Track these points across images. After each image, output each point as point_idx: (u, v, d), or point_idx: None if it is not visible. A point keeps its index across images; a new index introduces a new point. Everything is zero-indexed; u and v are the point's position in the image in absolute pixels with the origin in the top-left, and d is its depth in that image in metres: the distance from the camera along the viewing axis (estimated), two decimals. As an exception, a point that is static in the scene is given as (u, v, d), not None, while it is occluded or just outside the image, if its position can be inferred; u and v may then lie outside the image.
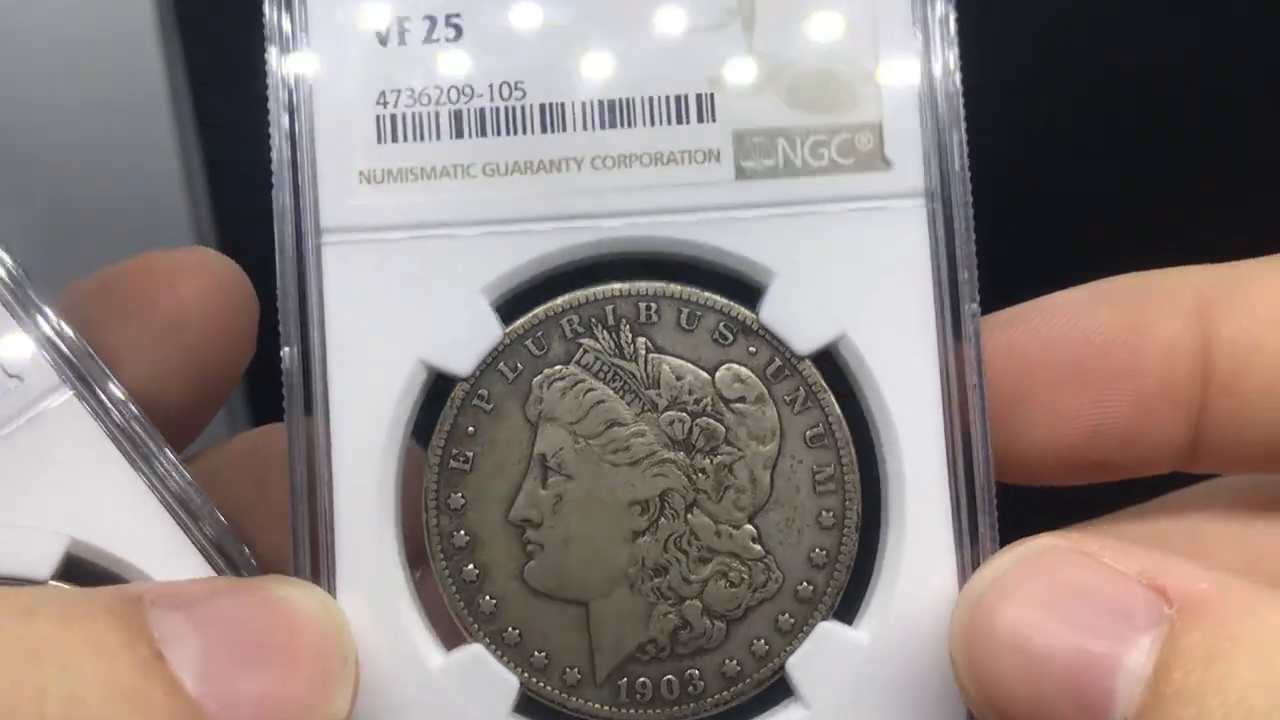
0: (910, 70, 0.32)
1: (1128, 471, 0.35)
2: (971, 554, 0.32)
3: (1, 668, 0.26)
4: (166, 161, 0.56)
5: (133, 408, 0.33)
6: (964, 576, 0.32)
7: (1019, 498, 0.33)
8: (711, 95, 0.33)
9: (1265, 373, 0.34)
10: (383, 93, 0.33)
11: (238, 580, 0.33)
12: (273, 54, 0.33)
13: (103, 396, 0.33)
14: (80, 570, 0.33)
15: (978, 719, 0.30)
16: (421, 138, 0.33)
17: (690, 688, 0.32)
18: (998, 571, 0.30)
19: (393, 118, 0.33)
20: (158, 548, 0.33)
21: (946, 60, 0.32)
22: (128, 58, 0.54)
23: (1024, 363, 0.33)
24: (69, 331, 0.33)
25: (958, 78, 0.32)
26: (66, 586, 0.33)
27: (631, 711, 0.32)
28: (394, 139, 0.33)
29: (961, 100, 0.32)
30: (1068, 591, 0.29)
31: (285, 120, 0.32)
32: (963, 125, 0.32)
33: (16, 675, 0.26)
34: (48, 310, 0.33)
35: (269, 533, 0.35)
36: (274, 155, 0.32)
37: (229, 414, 0.53)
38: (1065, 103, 0.52)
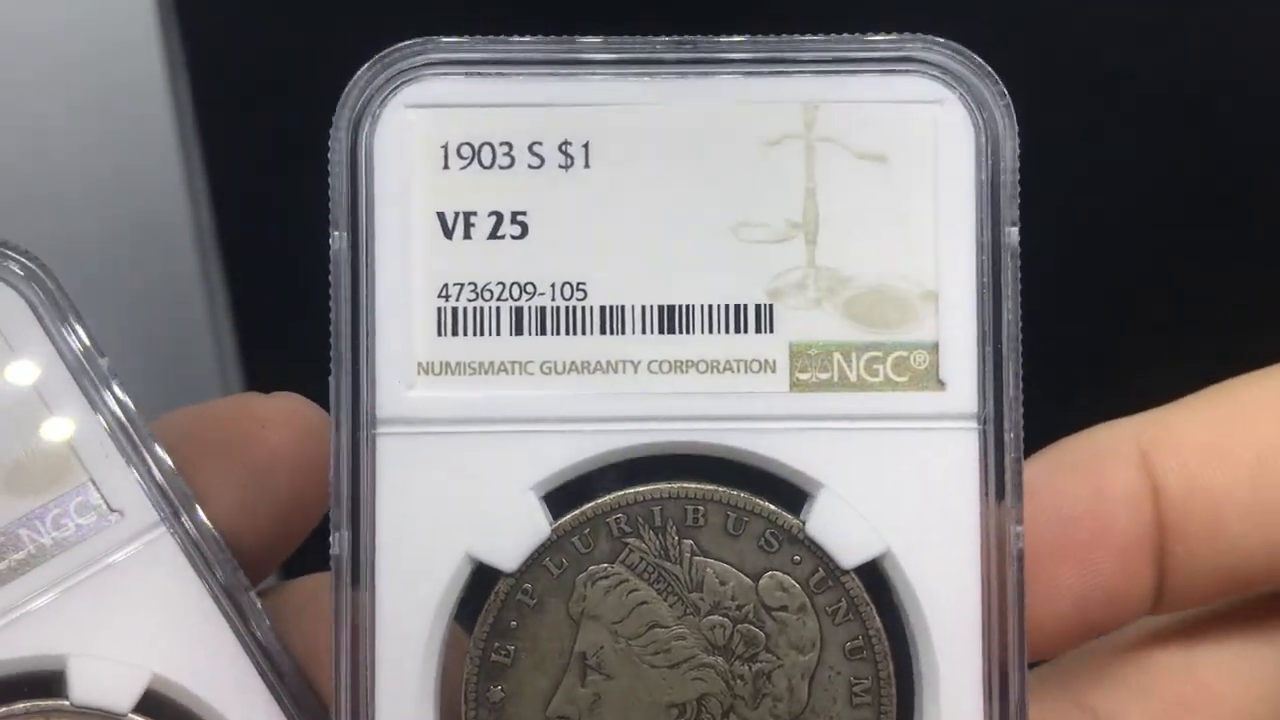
0: (969, 294, 0.33)
1: (1110, 628, 0.36)
2: (1005, 774, 0.32)
3: None
4: (168, 171, 0.56)
5: (224, 548, 0.35)
6: (995, 793, 0.32)
7: None
8: (770, 306, 0.33)
9: (1206, 514, 0.35)
10: (445, 285, 0.33)
11: None
12: (337, 237, 0.33)
13: (197, 536, 0.35)
14: (161, 706, 0.34)
15: None
16: (482, 333, 0.33)
17: None
18: None
19: (454, 311, 0.33)
20: (235, 690, 0.35)
21: (1007, 286, 0.33)
22: (128, 58, 0.55)
23: None
24: (169, 468, 0.35)
25: (1018, 304, 0.33)
26: None
27: None
28: (454, 333, 0.33)
29: (1020, 327, 0.33)
30: None
31: (348, 308, 0.33)
32: (1020, 352, 0.33)
33: None
34: (155, 447, 0.35)
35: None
36: (333, 342, 0.33)
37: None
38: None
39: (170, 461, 0.35)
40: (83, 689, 0.34)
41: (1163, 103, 0.56)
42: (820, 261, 0.33)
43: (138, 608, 0.34)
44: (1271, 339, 0.39)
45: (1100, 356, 0.56)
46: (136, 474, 0.35)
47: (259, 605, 0.35)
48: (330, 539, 0.33)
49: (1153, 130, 0.56)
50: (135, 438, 0.35)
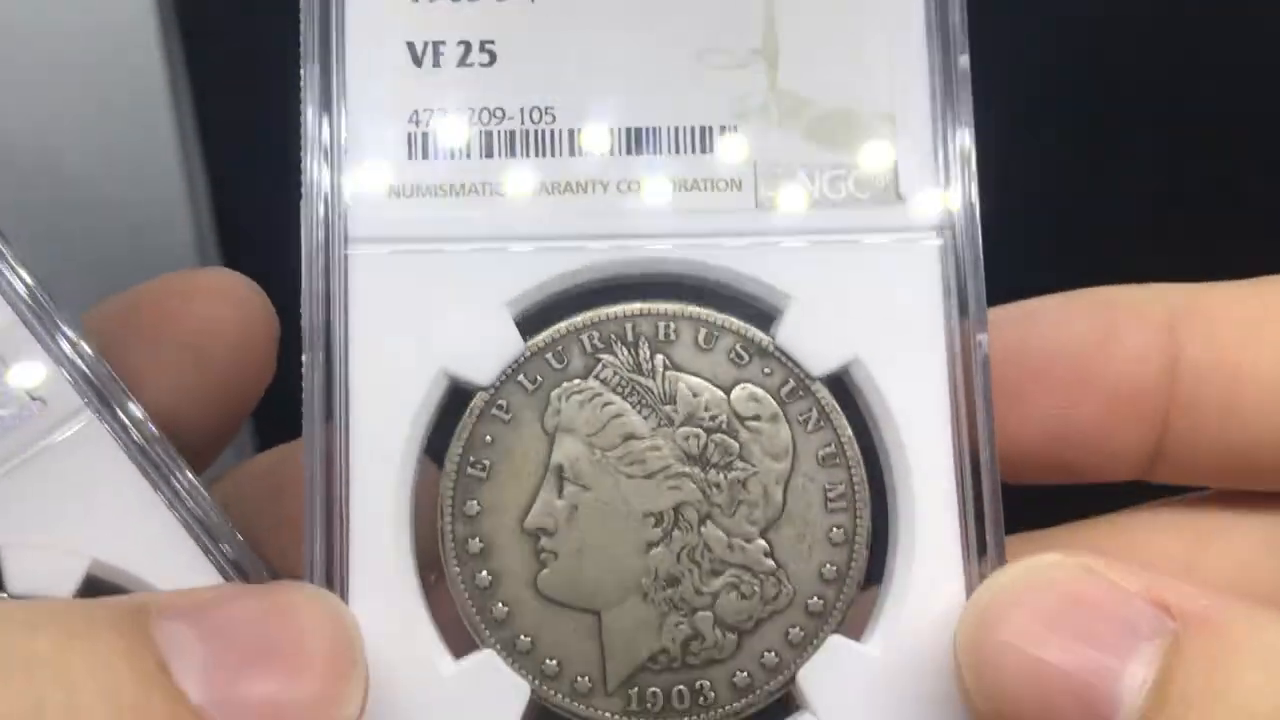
0: (924, 115, 0.34)
1: (1090, 476, 0.37)
2: (979, 569, 0.32)
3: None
4: (167, 162, 0.56)
5: (153, 429, 0.34)
6: (972, 591, 0.32)
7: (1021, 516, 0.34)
8: (735, 128, 0.34)
9: (1224, 393, 0.36)
10: (415, 111, 0.34)
11: (246, 586, 0.33)
12: (309, 69, 0.34)
13: (124, 418, 0.33)
14: (102, 591, 0.33)
15: None
16: (452, 156, 0.34)
17: (701, 698, 0.32)
18: (1005, 583, 0.30)
19: (424, 135, 0.34)
20: (177, 567, 0.33)
21: (960, 104, 0.34)
22: (128, 56, 0.55)
23: (997, 363, 0.34)
24: (90, 353, 0.34)
25: (970, 120, 0.34)
26: (73, 600, 0.33)
27: (642, 721, 0.32)
28: (425, 156, 0.34)
29: (974, 139, 0.34)
30: (1073, 604, 0.30)
31: (320, 133, 0.33)
32: (974, 164, 0.34)
33: (15, 690, 0.26)
34: (70, 332, 0.34)
35: (287, 550, 0.35)
36: (305, 165, 0.33)
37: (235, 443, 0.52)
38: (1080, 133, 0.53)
39: (90, 346, 0.34)
40: (19, 578, 0.33)
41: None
42: (782, 85, 0.34)
43: (72, 495, 0.33)
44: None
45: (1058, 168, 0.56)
46: (54, 360, 0.33)
47: (199, 485, 0.34)
48: (303, 360, 0.33)
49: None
50: (49, 324, 0.34)
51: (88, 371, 0.34)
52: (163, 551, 0.33)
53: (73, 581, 0.33)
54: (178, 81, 0.56)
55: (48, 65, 0.55)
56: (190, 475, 0.34)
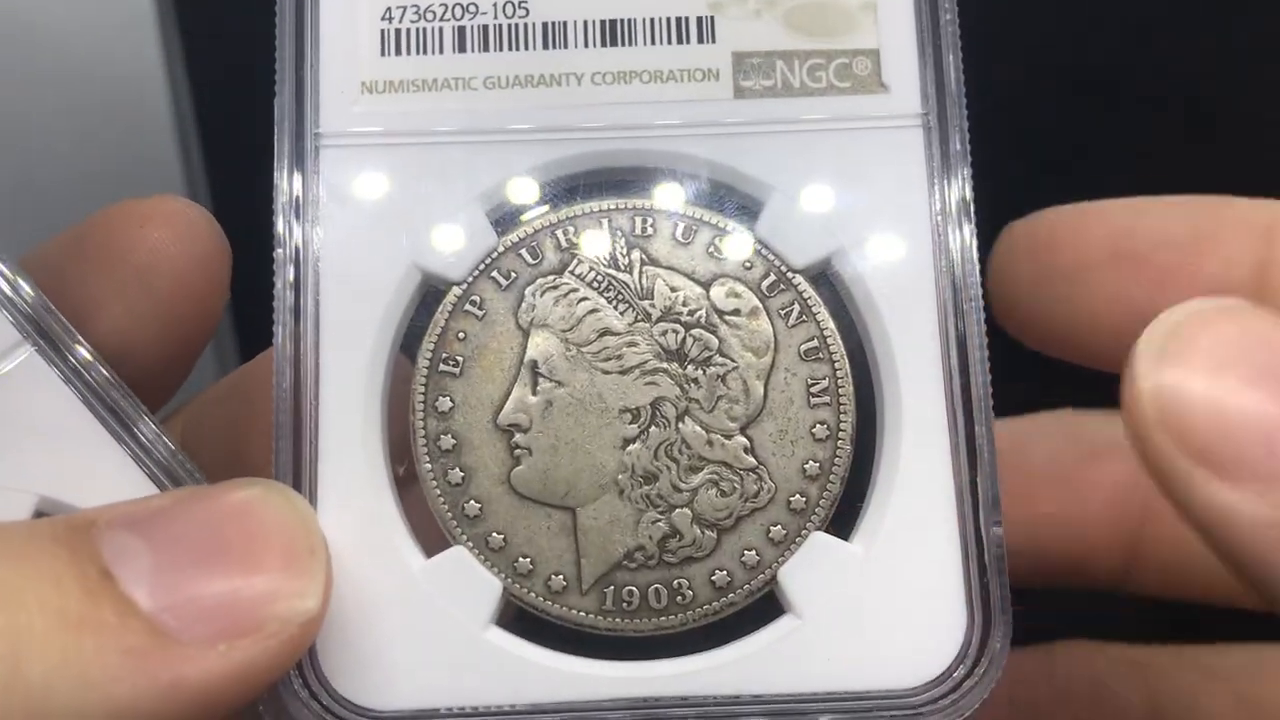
0: (906, 3, 0.33)
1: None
2: (968, 467, 0.31)
3: None
4: (167, 162, 0.56)
5: (98, 360, 0.32)
6: (960, 489, 0.31)
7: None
8: (711, 18, 0.33)
9: None
10: (388, 8, 0.33)
11: (195, 489, 0.31)
12: (282, -30, 0.33)
13: (66, 352, 0.32)
14: None
15: (1163, 474, 0.29)
16: (425, 51, 0.33)
17: (679, 597, 0.31)
18: (1181, 320, 0.29)
19: (397, 31, 0.33)
20: (126, 498, 0.32)
21: (942, -12, 0.33)
22: (128, 57, 0.55)
23: (1085, 243, 0.34)
24: (26, 287, 0.32)
25: (954, 3, 0.33)
26: (14, 521, 0.32)
27: (617, 620, 0.31)
28: (397, 51, 0.33)
29: (958, 25, 0.33)
30: (1260, 344, 0.28)
31: (291, 27, 0.33)
32: (959, 50, 0.33)
33: None
34: (4, 267, 0.32)
35: (261, 461, 0.34)
36: (278, 59, 0.33)
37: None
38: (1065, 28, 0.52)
39: (32, 279, 0.32)
40: None
41: None
42: (759, -26, 0.33)
43: (15, 433, 0.32)
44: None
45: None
46: None
47: (144, 412, 0.32)
48: (274, 256, 0.32)
49: None
50: None
51: (25, 305, 0.32)
52: (112, 485, 0.32)
53: (20, 519, 0.31)
54: (178, 81, 0.55)
55: (47, 65, 0.55)
56: (139, 406, 0.32)
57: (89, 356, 0.32)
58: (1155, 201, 0.37)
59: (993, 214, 0.33)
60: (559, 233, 0.32)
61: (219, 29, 0.56)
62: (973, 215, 0.32)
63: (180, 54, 0.55)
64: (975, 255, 0.32)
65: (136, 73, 0.54)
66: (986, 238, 0.33)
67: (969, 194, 0.32)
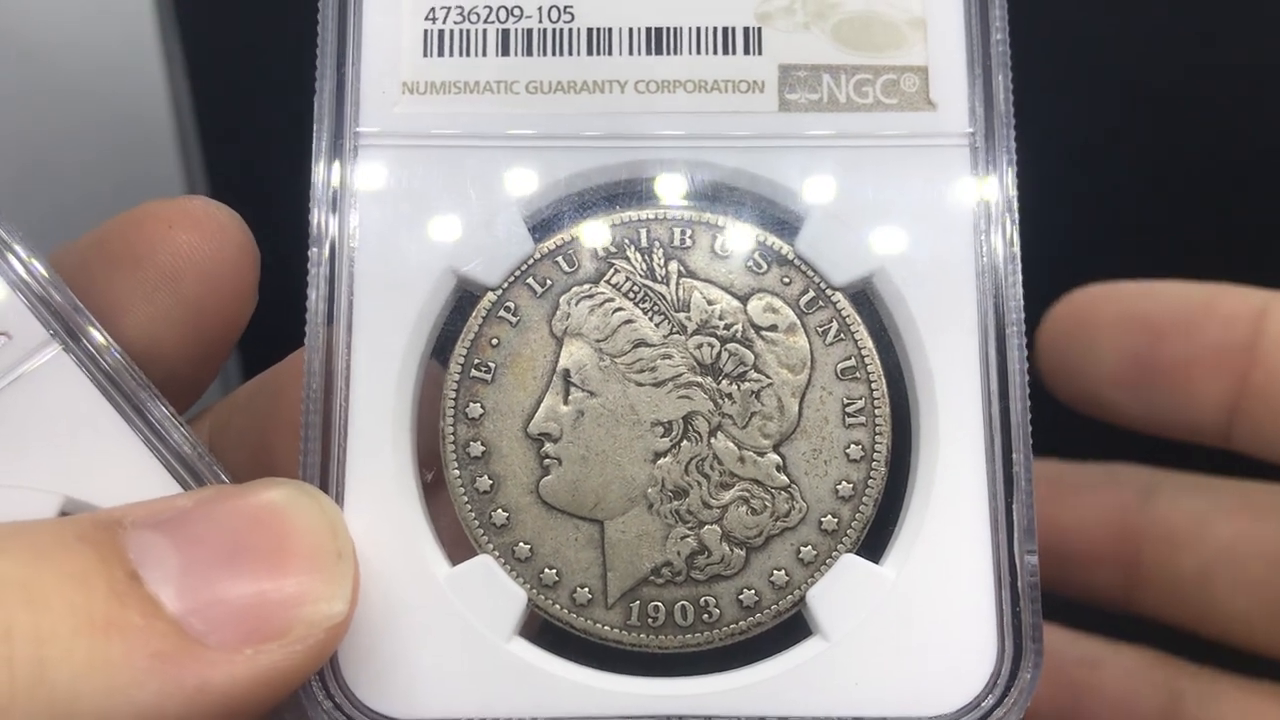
0: (957, 20, 0.33)
1: (1167, 430, 0.36)
2: (1004, 493, 0.30)
3: None
4: (167, 162, 0.56)
5: (125, 361, 0.32)
6: (995, 515, 0.30)
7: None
8: (759, 30, 0.33)
9: None
10: (432, 9, 0.33)
11: (222, 488, 0.31)
12: (326, -31, 0.33)
13: (94, 351, 0.32)
14: None
15: None
16: (468, 53, 0.33)
17: (705, 615, 0.31)
18: None
19: (440, 32, 0.33)
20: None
21: (994, 8, 0.32)
22: (128, 57, 0.55)
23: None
24: (57, 286, 0.32)
25: (1005, 23, 0.32)
26: (42, 520, 0.31)
27: (642, 635, 0.31)
28: (440, 53, 0.33)
29: (1009, 45, 0.32)
30: None
31: (334, 25, 0.32)
32: (1009, 69, 0.32)
33: None
34: (36, 265, 0.32)
35: (288, 464, 0.34)
36: (319, 56, 0.32)
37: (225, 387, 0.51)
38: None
39: (62, 278, 0.32)
40: None
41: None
42: (808, -13, 0.33)
43: (40, 432, 0.32)
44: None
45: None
46: (17, 293, 0.32)
47: (171, 413, 0.32)
48: (309, 255, 0.32)
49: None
50: (13, 255, 0.32)
51: (55, 304, 0.32)
52: (138, 487, 0.31)
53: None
54: (178, 81, 0.55)
55: (48, 66, 0.55)
56: (166, 407, 0.32)
57: (118, 357, 0.32)
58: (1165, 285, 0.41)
59: (1037, 236, 0.32)
60: (596, 241, 0.32)
61: (220, 29, 0.55)
62: (1018, 239, 0.32)
63: (180, 56, 0.55)
64: (1020, 279, 0.32)
65: (136, 73, 0.54)
66: (1032, 261, 0.33)
67: (1015, 216, 0.32)
